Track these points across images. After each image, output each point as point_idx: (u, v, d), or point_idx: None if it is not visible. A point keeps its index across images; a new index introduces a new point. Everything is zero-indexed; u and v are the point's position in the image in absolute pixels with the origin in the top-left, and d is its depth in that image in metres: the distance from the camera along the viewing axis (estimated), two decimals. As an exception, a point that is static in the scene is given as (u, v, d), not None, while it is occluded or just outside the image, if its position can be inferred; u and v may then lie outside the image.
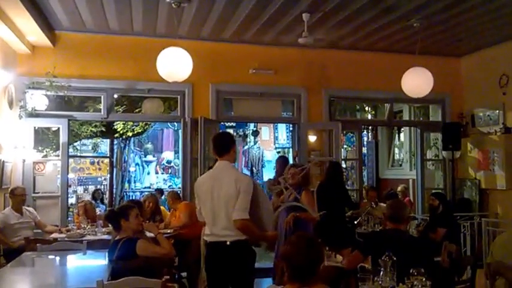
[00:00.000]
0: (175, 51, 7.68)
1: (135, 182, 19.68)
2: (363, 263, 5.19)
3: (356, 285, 4.36)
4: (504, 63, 10.48)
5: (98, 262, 6.41)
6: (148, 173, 20.62)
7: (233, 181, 5.08)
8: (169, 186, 19.82)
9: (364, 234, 8.30)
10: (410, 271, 4.02)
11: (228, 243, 5.02)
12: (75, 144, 15.12)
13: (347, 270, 5.24)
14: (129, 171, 18.50)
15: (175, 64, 7.64)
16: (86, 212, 9.42)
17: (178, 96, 10.28)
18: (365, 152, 15.57)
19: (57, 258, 6.72)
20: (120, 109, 11.64)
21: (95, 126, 13.30)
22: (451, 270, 5.74)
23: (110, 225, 8.31)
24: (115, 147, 16.54)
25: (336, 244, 6.83)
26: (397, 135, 15.47)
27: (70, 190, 12.09)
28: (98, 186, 17.81)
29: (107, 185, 17.00)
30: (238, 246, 5.05)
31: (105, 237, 8.11)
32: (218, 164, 5.34)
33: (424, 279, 3.91)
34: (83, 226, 8.74)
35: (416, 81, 8.94)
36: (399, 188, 12.13)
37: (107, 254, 5.82)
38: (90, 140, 16.31)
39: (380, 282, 4.07)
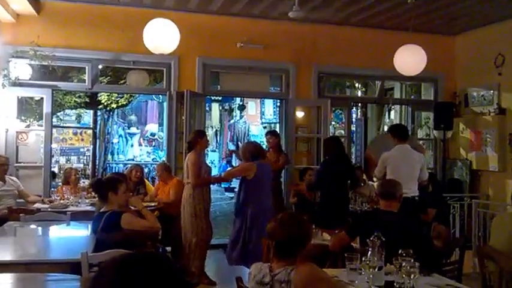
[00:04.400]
0: (162, 22, 7.70)
1: (118, 154, 19.82)
2: (350, 245, 5.33)
3: (342, 264, 4.47)
4: (500, 42, 10.47)
5: (81, 233, 6.56)
6: (132, 145, 20.76)
7: (417, 157, 8.21)
8: (153, 159, 19.98)
9: (353, 214, 8.45)
10: (399, 252, 4.06)
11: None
12: (59, 114, 15.20)
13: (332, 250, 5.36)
14: (112, 143, 18.60)
15: (162, 36, 7.66)
16: (69, 178, 9.59)
17: (164, 69, 10.34)
18: (353, 129, 15.67)
19: (41, 228, 6.86)
20: (105, 80, 11.71)
21: (79, 96, 13.39)
22: (439, 252, 5.87)
23: (94, 196, 8.55)
24: (98, 118, 16.63)
25: (324, 222, 7.03)
26: (387, 113, 15.58)
27: (52, 160, 12.19)
28: (81, 157, 17.89)
29: (89, 155, 17.09)
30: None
31: (89, 208, 8.24)
32: (405, 146, 8.18)
33: (412, 260, 3.99)
34: (66, 197, 8.87)
35: (409, 59, 8.83)
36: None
37: (90, 225, 5.97)
38: (73, 111, 16.39)
39: (368, 262, 4.16)
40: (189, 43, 9.46)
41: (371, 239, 4.27)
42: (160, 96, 16.93)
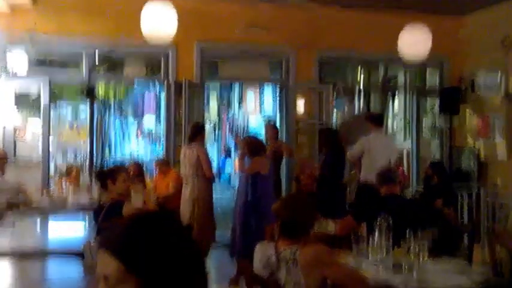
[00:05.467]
0: (159, 5, 7.67)
1: (115, 149, 19.80)
2: (357, 230, 5.37)
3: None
4: (508, 23, 10.33)
5: (82, 224, 6.59)
6: (129, 140, 20.69)
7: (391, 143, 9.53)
8: (151, 153, 19.96)
9: (357, 201, 8.55)
10: (407, 234, 4.15)
11: None
12: (53, 110, 15.18)
13: (339, 237, 5.41)
14: (109, 138, 18.58)
15: (160, 19, 7.63)
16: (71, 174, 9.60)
17: (162, 57, 10.37)
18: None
19: (41, 219, 6.87)
20: (102, 71, 11.72)
21: (75, 89, 13.38)
22: (448, 236, 5.94)
23: (93, 192, 8.59)
24: (95, 112, 16.60)
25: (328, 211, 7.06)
26: (390, 104, 15.54)
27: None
28: (77, 153, 17.85)
29: (86, 150, 17.08)
30: None
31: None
32: (381, 132, 9.44)
33: (422, 244, 4.03)
34: (65, 189, 8.86)
35: (414, 42, 8.80)
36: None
37: (92, 215, 6.04)
38: (69, 104, 16.42)
39: (375, 244, 4.21)
40: (186, 29, 9.31)
41: (378, 221, 4.32)
42: (158, 87, 16.95)
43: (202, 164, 8.02)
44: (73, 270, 4.50)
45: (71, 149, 17.41)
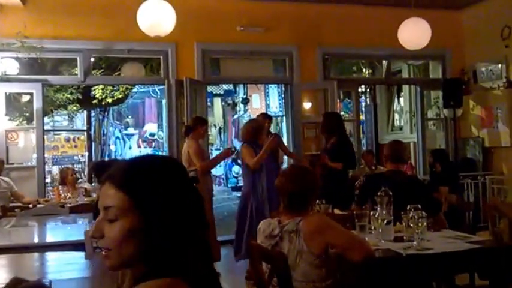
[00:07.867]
0: (157, 2, 7.81)
1: (116, 157, 19.83)
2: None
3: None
4: (506, 14, 10.63)
5: (83, 221, 6.69)
6: (130, 147, 20.76)
7: None
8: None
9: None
10: (408, 208, 4.24)
11: None
12: (49, 119, 15.24)
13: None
14: (108, 145, 18.67)
15: (157, 16, 7.77)
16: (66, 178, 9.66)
17: (161, 57, 10.44)
18: (363, 119, 15.80)
19: (38, 222, 6.94)
20: (98, 73, 11.79)
21: (71, 93, 13.46)
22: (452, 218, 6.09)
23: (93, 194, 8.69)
24: (92, 119, 16.70)
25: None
26: (396, 99, 15.78)
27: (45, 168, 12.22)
28: (75, 166, 17.91)
29: (85, 161, 17.17)
30: None
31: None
32: None
33: (422, 213, 4.18)
34: (63, 196, 8.92)
35: (414, 32, 9.07)
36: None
37: (92, 216, 6.15)
38: (64, 114, 16.48)
39: (377, 216, 4.39)
40: (186, 28, 9.58)
41: (378, 194, 4.49)
42: (158, 92, 17.07)
43: (192, 159, 8.05)
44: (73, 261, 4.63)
45: (68, 162, 17.47)
